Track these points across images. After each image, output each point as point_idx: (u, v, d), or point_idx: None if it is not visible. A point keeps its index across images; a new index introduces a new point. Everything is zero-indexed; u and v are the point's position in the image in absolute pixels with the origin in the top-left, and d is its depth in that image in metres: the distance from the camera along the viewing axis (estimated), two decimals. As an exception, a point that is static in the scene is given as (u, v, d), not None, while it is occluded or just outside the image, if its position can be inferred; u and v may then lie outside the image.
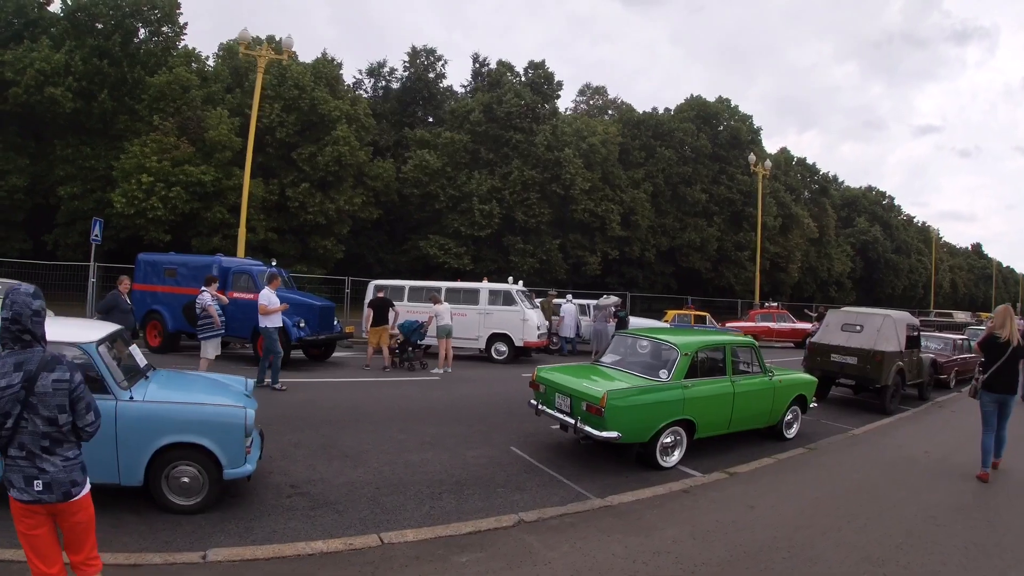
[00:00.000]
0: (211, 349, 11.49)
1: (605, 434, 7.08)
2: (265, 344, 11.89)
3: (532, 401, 8.45)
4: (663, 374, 7.82)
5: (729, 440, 8.83)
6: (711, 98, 47.26)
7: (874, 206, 64.82)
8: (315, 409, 9.74)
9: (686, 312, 26.72)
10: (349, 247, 36.00)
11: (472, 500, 6.15)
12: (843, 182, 65.20)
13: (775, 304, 33.14)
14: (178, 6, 32.20)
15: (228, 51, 35.55)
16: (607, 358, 8.91)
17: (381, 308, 15.00)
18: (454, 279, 27.48)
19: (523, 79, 38.58)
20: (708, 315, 26.75)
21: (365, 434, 8.34)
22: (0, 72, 26.43)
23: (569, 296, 21.57)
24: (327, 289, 26.14)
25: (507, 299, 17.70)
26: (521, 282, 20.30)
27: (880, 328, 12.71)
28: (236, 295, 14.73)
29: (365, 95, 43.38)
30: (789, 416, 9.55)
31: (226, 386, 6.74)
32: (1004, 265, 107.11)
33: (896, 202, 70.54)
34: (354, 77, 44.48)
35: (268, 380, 11.56)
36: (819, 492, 6.81)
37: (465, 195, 34.63)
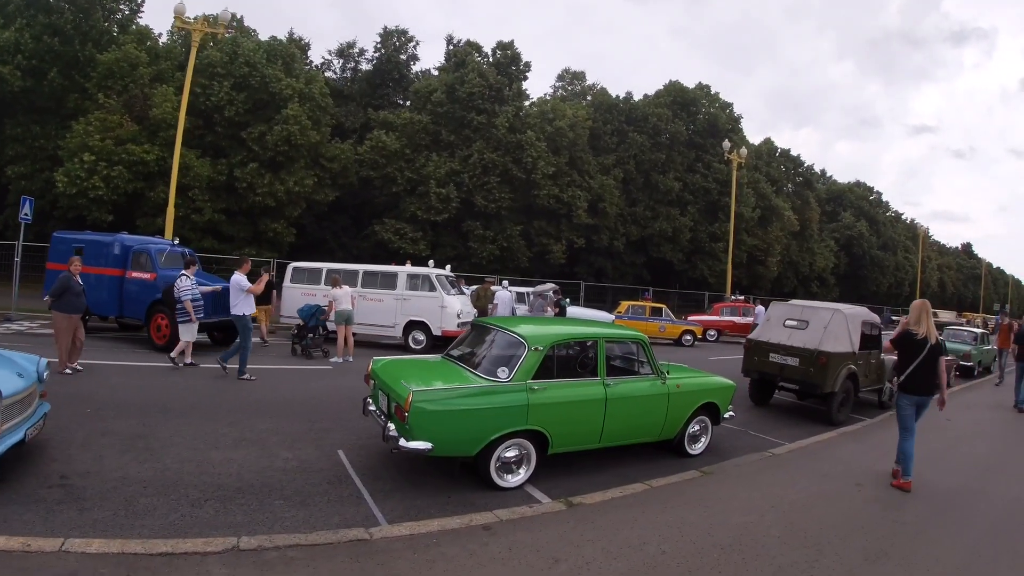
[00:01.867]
0: (188, 333, 12.08)
1: (412, 444, 6.03)
2: (240, 332, 11.78)
3: (367, 398, 7.54)
4: (503, 373, 6.65)
5: (621, 453, 7.88)
6: (691, 84, 47.14)
7: (861, 201, 64.73)
8: (160, 396, 9.51)
9: (641, 303, 26.68)
10: (312, 231, 36.14)
11: (235, 512, 5.55)
12: (831, 177, 65.23)
13: (742, 298, 33.06)
14: None
15: (182, 29, 35.56)
16: (456, 351, 7.78)
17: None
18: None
19: (490, 60, 38.46)
20: (665, 307, 26.70)
21: (189, 426, 7.96)
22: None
23: (505, 283, 21.15)
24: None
25: (426, 284, 17.04)
26: (449, 267, 20.01)
27: (828, 325, 11.35)
28: (135, 274, 14.81)
29: (334, 76, 43.47)
30: (695, 428, 8.35)
31: (10, 362, 6.57)
32: (994, 266, 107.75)
33: (885, 199, 70.76)
34: (322, 58, 44.50)
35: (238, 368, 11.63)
36: (670, 545, 5.27)
37: (423, 178, 34.50)
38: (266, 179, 30.31)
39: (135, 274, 14.81)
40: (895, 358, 12.79)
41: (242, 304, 11.77)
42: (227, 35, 30.43)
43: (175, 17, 21.85)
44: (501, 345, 7.14)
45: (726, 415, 8.68)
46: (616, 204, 40.58)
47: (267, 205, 30.75)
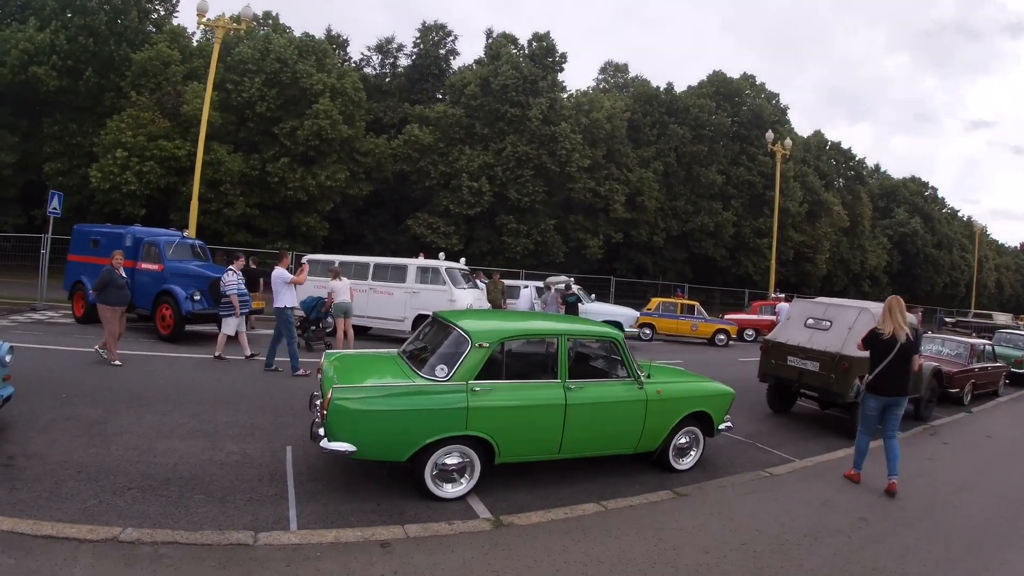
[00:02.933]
0: (230, 327, 12.35)
1: (332, 445, 5.64)
2: (279, 326, 11.86)
3: (313, 394, 7.03)
4: (441, 372, 6.15)
5: (598, 464, 7.31)
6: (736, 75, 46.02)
7: (915, 197, 61.96)
8: (137, 385, 9.50)
9: (673, 300, 25.90)
10: (351, 226, 36.63)
11: (151, 503, 5.45)
12: (885, 171, 63.02)
13: (782, 296, 31.94)
14: None
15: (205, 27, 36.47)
16: (411, 346, 7.33)
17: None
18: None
19: (526, 52, 38.17)
20: (697, 304, 25.70)
21: (152, 415, 7.90)
22: (-11, 53, 27.84)
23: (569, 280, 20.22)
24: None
25: (435, 277, 16.59)
26: (463, 260, 19.70)
27: (854, 325, 10.14)
28: (144, 265, 14.97)
29: (373, 72, 43.82)
30: (683, 440, 7.51)
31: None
32: None
33: (940, 195, 67.73)
34: (361, 54, 44.82)
35: (286, 364, 11.70)
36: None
37: (456, 172, 34.42)
38: (298, 173, 30.68)
39: (144, 265, 14.96)
40: (937, 365, 12.35)
41: (284, 296, 11.80)
42: (254, 31, 30.91)
43: (197, 15, 22.07)
44: (447, 341, 6.59)
45: (721, 427, 7.79)
46: (656, 198, 39.71)
47: (299, 199, 31.18)
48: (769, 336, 11.98)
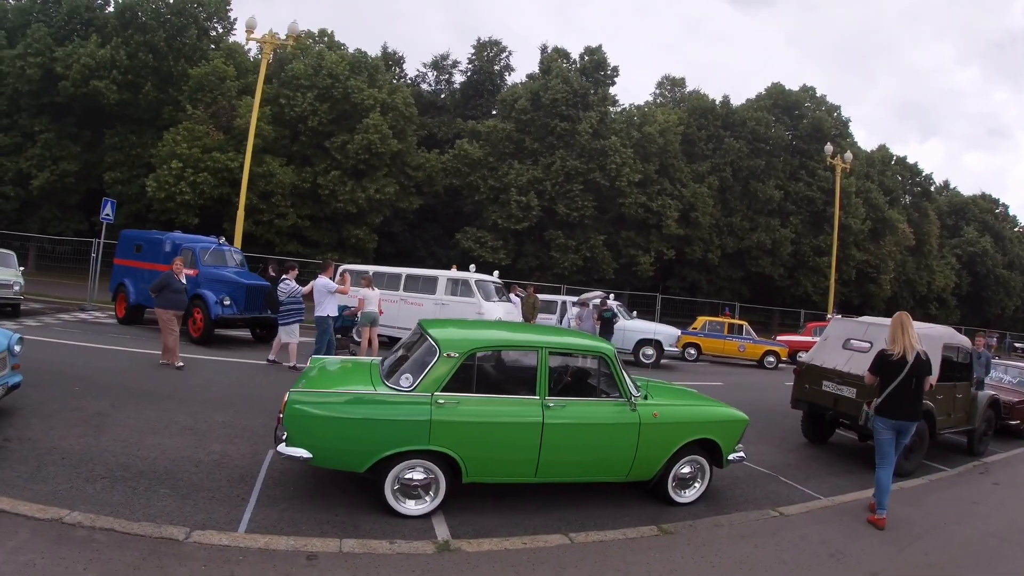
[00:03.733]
0: (289, 335, 12.44)
1: (288, 450, 5.52)
2: (320, 333, 12.28)
3: None
4: (406, 381, 5.87)
5: (590, 489, 6.80)
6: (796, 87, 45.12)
7: (985, 215, 59.20)
8: (155, 383, 9.75)
9: (720, 319, 24.96)
10: (404, 239, 37.52)
11: (117, 492, 5.57)
12: (954, 188, 60.78)
13: (839, 316, 30.84)
14: (228, 2, 35.06)
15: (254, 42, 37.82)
16: (392, 355, 6.98)
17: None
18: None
19: (577, 66, 38.23)
20: (746, 324, 24.77)
21: (152, 411, 8.08)
22: (53, 67, 29.58)
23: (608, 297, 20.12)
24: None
25: (465, 290, 16.60)
26: (496, 272, 19.73)
27: None
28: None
29: (428, 88, 44.59)
30: (686, 470, 6.80)
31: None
32: None
33: (1012, 213, 64.36)
34: (417, 70, 45.72)
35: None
36: None
37: (505, 186, 34.60)
38: (348, 186, 31.38)
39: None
40: (993, 394, 11.19)
41: (327, 305, 12.17)
42: (309, 48, 31.92)
43: (247, 32, 22.75)
44: (420, 350, 6.26)
45: (732, 457, 7.00)
46: (710, 214, 38.98)
47: (349, 212, 31.86)
48: (804, 357, 11.13)
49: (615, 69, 38.49)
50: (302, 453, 5.51)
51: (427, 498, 5.81)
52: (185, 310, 12.17)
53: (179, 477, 6.11)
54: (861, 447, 10.47)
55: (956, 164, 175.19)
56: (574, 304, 19.29)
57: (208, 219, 29.71)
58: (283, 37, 24.35)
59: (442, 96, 44.40)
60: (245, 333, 16.17)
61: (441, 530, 5.60)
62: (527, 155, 35.92)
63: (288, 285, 12.44)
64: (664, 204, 36.92)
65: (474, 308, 16.14)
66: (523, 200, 33.80)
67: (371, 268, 18.34)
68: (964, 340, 10.61)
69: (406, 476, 5.75)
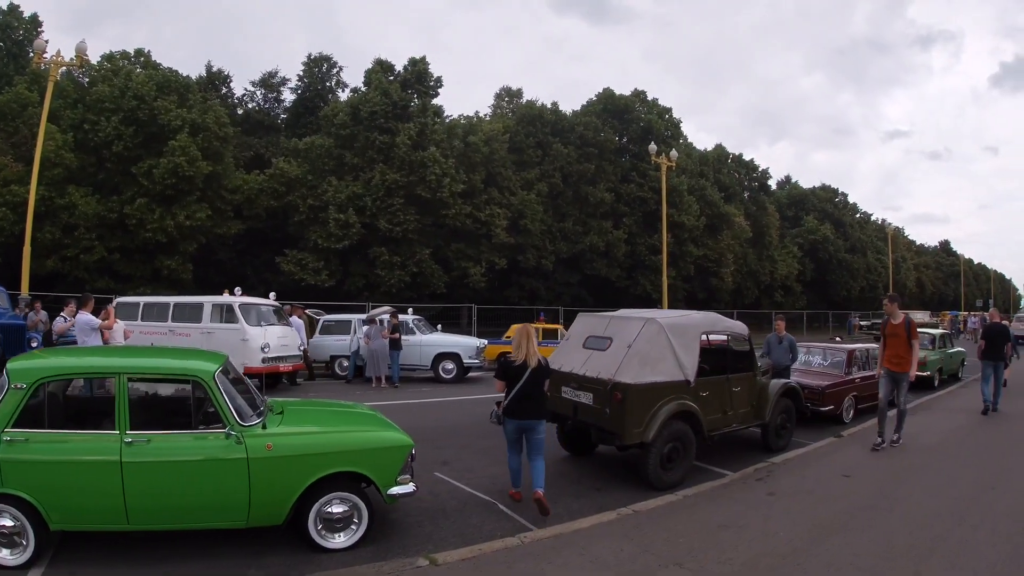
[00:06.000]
0: None
1: None
2: None
3: None
4: None
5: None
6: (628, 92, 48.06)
7: (824, 204, 65.90)
8: None
9: (537, 325, 24.33)
10: (231, 266, 37.42)
11: None
12: (795, 181, 66.08)
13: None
14: (39, 25, 34.84)
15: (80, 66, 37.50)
16: None
17: None
18: (315, 298, 28.76)
19: (400, 77, 39.68)
20: (561, 328, 25.26)
21: None
22: None
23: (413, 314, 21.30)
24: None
25: (229, 315, 16.68)
26: (273, 295, 20.19)
27: (633, 342, 8.38)
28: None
29: (256, 107, 45.13)
30: (338, 509, 6.13)
31: None
32: (975, 262, 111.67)
33: (852, 201, 72.85)
34: (244, 89, 46.23)
35: None
36: None
37: (324, 204, 35.46)
38: (156, 214, 31.57)
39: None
40: (788, 382, 10.81)
41: (91, 341, 11.92)
42: (120, 69, 32.01)
43: (35, 55, 23.04)
44: None
45: (395, 491, 6.33)
46: (540, 220, 41.08)
47: (159, 241, 32.00)
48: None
49: (438, 80, 40.30)
50: None
51: (19, 548, 5.46)
52: None
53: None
54: (623, 456, 9.36)
55: (806, 164, 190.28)
56: (363, 322, 19.70)
57: (9, 257, 29.53)
58: (70, 59, 24.48)
59: (271, 115, 45.23)
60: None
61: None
62: (348, 171, 36.96)
63: (62, 322, 12.86)
64: (492, 213, 38.66)
65: (238, 335, 16.31)
66: (342, 218, 34.64)
67: (142, 299, 18.99)
68: (736, 325, 10.08)
69: None
